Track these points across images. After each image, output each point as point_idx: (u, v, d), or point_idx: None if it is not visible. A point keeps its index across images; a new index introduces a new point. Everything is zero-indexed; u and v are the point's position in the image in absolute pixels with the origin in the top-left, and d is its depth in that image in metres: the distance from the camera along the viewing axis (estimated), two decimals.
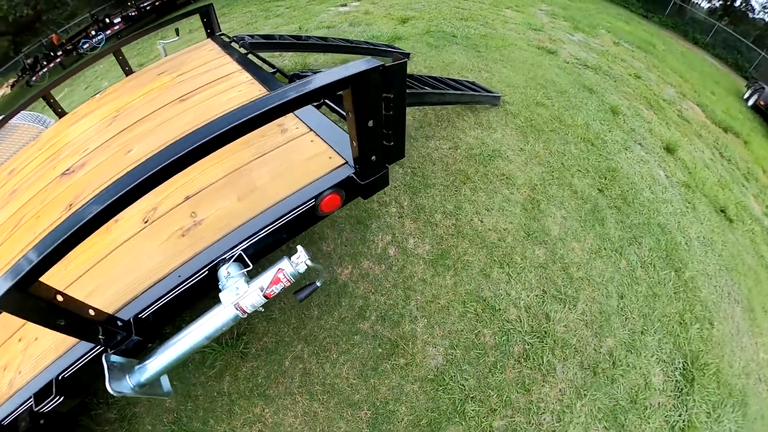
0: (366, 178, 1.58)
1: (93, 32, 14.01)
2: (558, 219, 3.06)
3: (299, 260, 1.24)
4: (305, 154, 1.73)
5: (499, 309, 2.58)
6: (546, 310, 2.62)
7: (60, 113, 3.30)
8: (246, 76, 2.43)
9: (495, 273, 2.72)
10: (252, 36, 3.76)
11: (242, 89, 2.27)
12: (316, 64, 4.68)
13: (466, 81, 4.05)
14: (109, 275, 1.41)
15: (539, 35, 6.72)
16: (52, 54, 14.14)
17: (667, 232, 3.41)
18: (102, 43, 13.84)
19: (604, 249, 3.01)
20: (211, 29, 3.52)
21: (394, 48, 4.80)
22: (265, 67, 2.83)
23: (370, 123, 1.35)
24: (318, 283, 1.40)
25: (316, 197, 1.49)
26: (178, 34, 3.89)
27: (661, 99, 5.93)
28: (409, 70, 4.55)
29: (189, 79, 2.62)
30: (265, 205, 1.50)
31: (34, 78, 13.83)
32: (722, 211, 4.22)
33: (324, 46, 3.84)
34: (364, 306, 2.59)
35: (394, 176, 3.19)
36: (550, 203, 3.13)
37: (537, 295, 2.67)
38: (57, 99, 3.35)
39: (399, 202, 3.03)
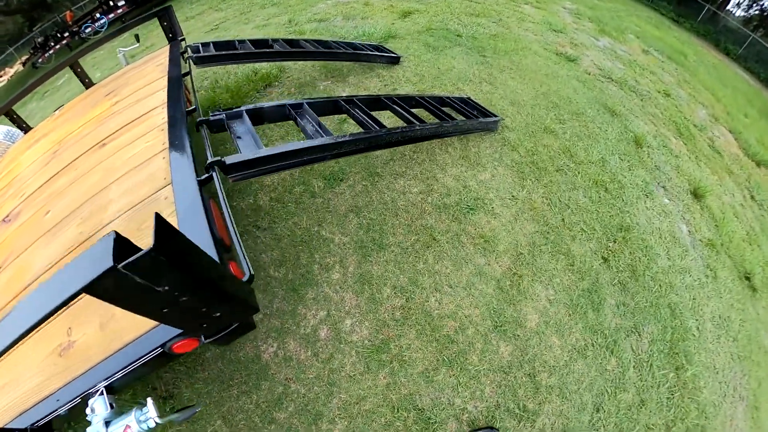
0: (211, 336, 1.16)
1: (97, 15, 12.32)
2: (541, 303, 2.14)
3: (148, 416, 1.09)
4: None
5: (436, 421, 1.79)
6: (495, 426, 1.82)
7: (25, 129, 3.08)
8: (162, 116, 1.93)
9: (441, 376, 1.89)
10: (207, 45, 2.87)
11: (149, 139, 1.81)
12: (294, 68, 3.69)
13: (458, 99, 3.03)
14: (11, 376, 1.28)
15: (559, 38, 5.43)
16: (58, 35, 12.54)
17: (677, 316, 2.46)
18: (104, 28, 12.17)
19: (592, 345, 2.11)
20: (173, 33, 2.90)
21: (382, 51, 3.75)
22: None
23: (165, 310, 0.85)
24: (197, 409, 1.33)
25: (163, 344, 1.13)
26: (138, 41, 3.47)
27: (692, 124, 4.70)
28: (394, 78, 3.53)
29: (121, 111, 2.26)
30: (117, 344, 1.20)
31: (40, 60, 12.37)
32: (747, 277, 3.19)
33: (287, 53, 2.86)
34: (283, 394, 1.91)
35: (346, 230, 2.31)
36: (536, 280, 2.20)
37: (488, 408, 1.84)
38: (57, 85, 3.60)
39: (344, 266, 2.17)
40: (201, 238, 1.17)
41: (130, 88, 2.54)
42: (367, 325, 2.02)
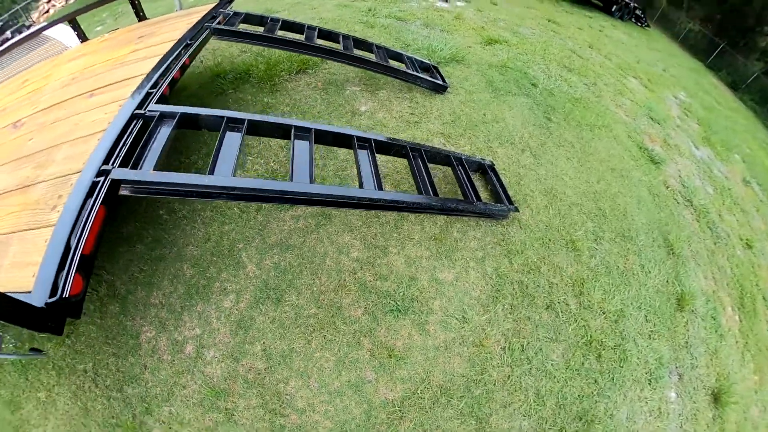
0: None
1: None
2: None
3: None
4: (25, 253, 1.19)
5: None
6: None
7: (82, 40, 3.07)
8: (129, 90, 1.69)
9: None
10: (238, 15, 2.31)
11: (108, 111, 1.63)
12: (330, 65, 3.00)
13: (474, 163, 2.19)
14: None
15: (653, 129, 4.04)
16: None
17: None
18: None
19: None
20: None
21: (432, 73, 2.90)
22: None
23: None
24: (41, 355, 1.50)
25: None
26: None
27: (762, 296, 3.30)
28: (425, 109, 2.73)
29: (129, 63, 2.09)
30: None
31: None
32: None
33: (308, 48, 2.18)
34: (137, 376, 1.70)
35: (262, 264, 1.74)
36: None
37: None
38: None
39: (238, 300, 1.65)
40: (55, 244, 1.13)
41: (153, 40, 2.27)
42: (223, 367, 1.57)
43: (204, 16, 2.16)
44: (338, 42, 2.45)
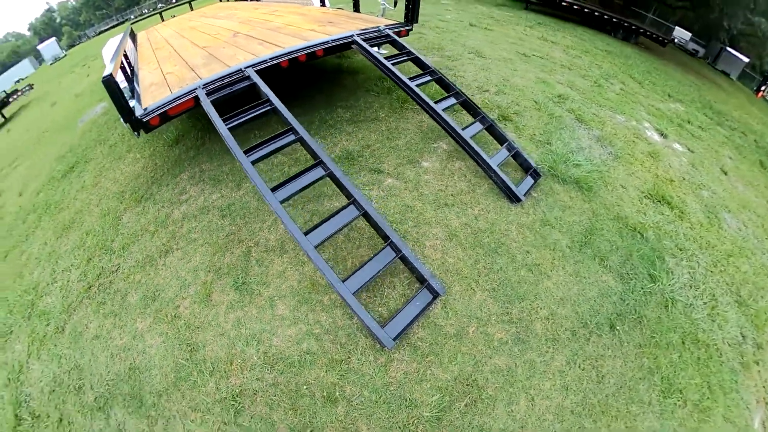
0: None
1: None
2: None
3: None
4: (160, 95, 1.84)
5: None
6: None
7: (322, 3, 3.57)
8: (266, 52, 2.11)
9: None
10: (389, 37, 2.46)
11: (247, 58, 2.08)
12: None
13: (416, 271, 1.65)
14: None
15: None
16: None
17: None
18: None
19: None
20: (412, 16, 2.64)
21: (519, 178, 2.13)
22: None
23: None
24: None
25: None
26: (395, 6, 3.19)
27: None
28: (466, 202, 2.27)
29: (297, 36, 2.31)
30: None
31: None
32: None
33: (407, 88, 2.12)
34: (163, 186, 2.48)
35: (245, 190, 2.15)
36: None
37: None
38: None
39: (221, 199, 2.17)
40: (162, 101, 1.83)
41: (324, 28, 2.51)
42: (187, 217, 2.22)
43: (367, 28, 2.41)
44: (448, 95, 2.23)
